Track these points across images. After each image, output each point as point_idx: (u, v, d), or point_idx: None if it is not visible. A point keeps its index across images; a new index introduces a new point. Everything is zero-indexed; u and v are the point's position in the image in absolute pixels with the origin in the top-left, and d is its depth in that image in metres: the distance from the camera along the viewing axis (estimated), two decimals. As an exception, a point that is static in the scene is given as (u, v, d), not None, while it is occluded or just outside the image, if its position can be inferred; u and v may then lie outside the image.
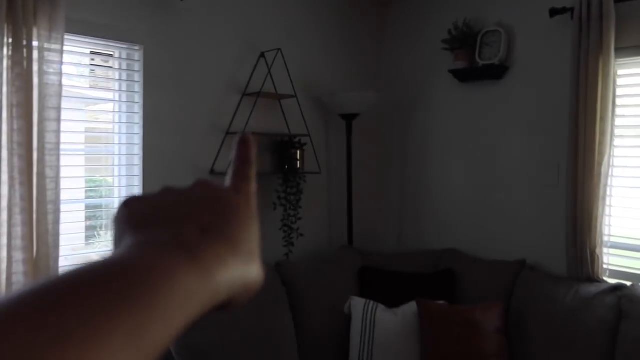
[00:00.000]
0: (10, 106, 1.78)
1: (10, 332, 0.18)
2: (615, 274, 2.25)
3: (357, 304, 2.36)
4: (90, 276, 0.22)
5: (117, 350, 0.20)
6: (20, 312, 0.19)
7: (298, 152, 2.63)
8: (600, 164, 2.16)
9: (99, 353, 0.19)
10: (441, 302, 2.34)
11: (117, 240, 0.28)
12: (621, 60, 2.19)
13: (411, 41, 3.00)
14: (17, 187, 1.79)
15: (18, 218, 1.79)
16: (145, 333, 0.21)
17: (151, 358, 0.22)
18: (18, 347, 0.18)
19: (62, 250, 1.93)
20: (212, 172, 2.43)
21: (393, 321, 2.29)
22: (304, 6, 2.81)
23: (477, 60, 2.62)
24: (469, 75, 2.68)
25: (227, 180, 0.33)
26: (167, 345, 0.23)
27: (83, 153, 2.35)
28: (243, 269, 0.28)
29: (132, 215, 0.29)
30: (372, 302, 2.34)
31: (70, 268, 0.23)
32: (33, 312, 0.19)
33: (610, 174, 2.21)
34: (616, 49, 2.13)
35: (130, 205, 0.30)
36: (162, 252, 0.25)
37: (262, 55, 2.58)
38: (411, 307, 2.29)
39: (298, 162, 2.63)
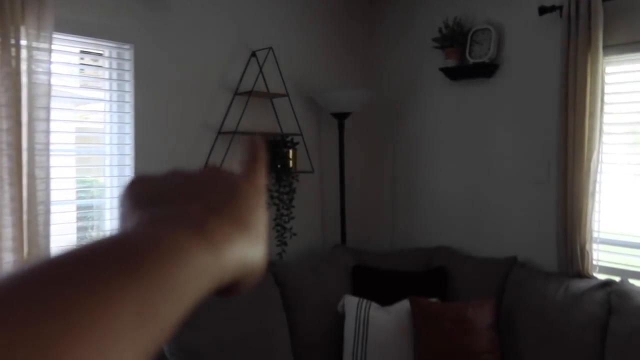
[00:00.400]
0: (-1, 106, 1.76)
1: (14, 309, 0.18)
2: (604, 269, 2.28)
3: (351, 303, 2.36)
4: (97, 251, 0.22)
5: (125, 327, 0.19)
6: (24, 289, 0.19)
7: (290, 151, 2.63)
8: (589, 160, 2.18)
9: (108, 330, 0.19)
10: (434, 299, 2.35)
11: (123, 219, 0.28)
12: (609, 58, 2.22)
13: (402, 39, 3.02)
14: (6, 188, 1.77)
15: (8, 219, 1.77)
16: (154, 309, 0.21)
17: (158, 339, 0.21)
18: (22, 326, 0.17)
19: (53, 252, 1.92)
20: (203, 171, 2.42)
21: (386, 319, 2.30)
22: (295, 5, 2.81)
23: (467, 58, 2.63)
24: (459, 73, 2.70)
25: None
26: (174, 326, 0.22)
27: (73, 153, 2.32)
28: (249, 250, 0.28)
29: (138, 194, 0.29)
30: (365, 301, 2.35)
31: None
32: (37, 289, 0.19)
33: (599, 170, 2.24)
34: (604, 47, 2.16)
35: (136, 184, 0.30)
36: (171, 228, 0.25)
37: (254, 54, 2.57)
38: (404, 305, 2.30)
39: (290, 162, 2.63)
